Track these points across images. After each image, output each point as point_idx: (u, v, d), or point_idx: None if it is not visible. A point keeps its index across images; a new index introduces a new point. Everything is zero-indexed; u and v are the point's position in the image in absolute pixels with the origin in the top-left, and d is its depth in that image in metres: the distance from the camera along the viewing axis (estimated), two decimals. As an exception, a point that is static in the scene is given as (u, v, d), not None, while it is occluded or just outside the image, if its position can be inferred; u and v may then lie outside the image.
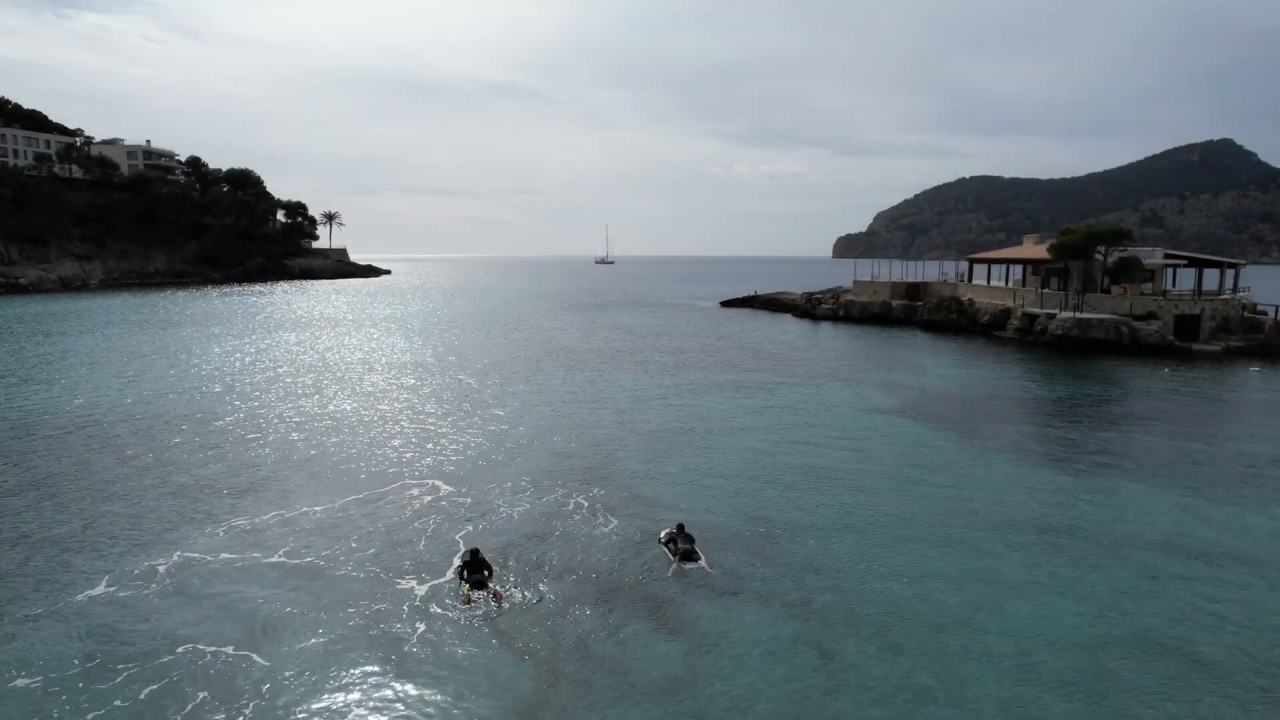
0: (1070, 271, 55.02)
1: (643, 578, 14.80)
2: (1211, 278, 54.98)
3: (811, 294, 75.44)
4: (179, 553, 15.83)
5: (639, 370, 39.50)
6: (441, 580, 14.57)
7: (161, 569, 15.07)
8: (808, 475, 20.99)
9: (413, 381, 35.83)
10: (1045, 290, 53.49)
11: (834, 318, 67.32)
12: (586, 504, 18.80)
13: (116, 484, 20.25)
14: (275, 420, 27.59)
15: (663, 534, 16.68)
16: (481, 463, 22.52)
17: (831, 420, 27.70)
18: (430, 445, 24.32)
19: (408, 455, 23.21)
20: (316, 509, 18.42)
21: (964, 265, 72.63)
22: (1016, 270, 65.25)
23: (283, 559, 15.59)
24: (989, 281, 65.50)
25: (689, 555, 15.55)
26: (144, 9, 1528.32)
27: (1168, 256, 56.14)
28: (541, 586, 14.41)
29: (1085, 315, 47.26)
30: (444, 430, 26.41)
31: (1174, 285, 58.45)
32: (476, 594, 14.11)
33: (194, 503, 18.92)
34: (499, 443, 24.75)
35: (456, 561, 15.36)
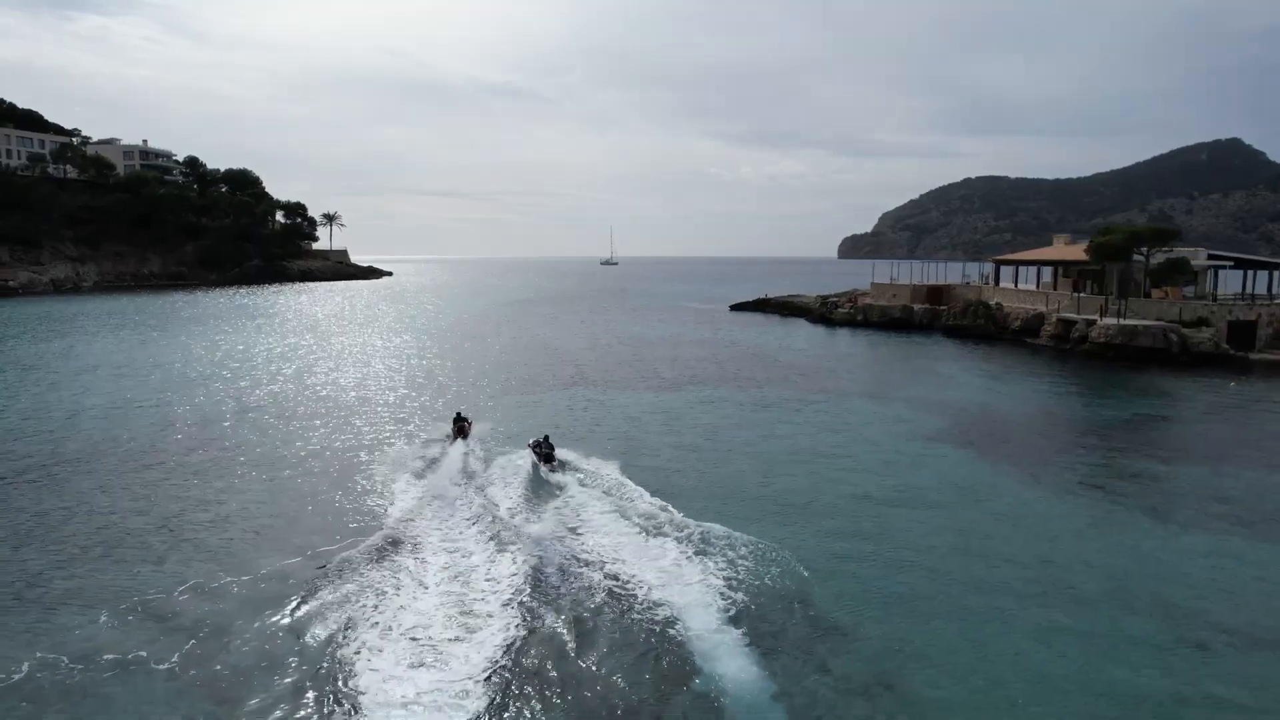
0: (1106, 274, 51.69)
1: (658, 631, 11.71)
2: (1253, 280, 51.57)
3: (827, 298, 72.02)
4: (38, 654, 11.39)
5: (647, 384, 36.15)
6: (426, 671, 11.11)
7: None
8: (843, 517, 17.64)
9: (404, 391, 32.49)
10: (1081, 294, 50.08)
11: (851, 323, 63.91)
12: (591, 543, 15.56)
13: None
14: (228, 446, 24.08)
15: (530, 440, 22.51)
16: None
17: (867, 449, 24.30)
18: (412, 475, 20.89)
19: (380, 496, 19.63)
20: (243, 578, 14.23)
21: (987, 267, 69.32)
22: (1037, 272, 61.97)
23: (177, 664, 11.20)
24: (1017, 284, 62.10)
25: (549, 459, 21.05)
26: (146, 11, 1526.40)
27: (1211, 257, 52.78)
28: (546, 651, 11.32)
29: (1130, 322, 43.84)
30: (432, 452, 23.25)
31: (1215, 288, 54.94)
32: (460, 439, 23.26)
33: (95, 566, 14.75)
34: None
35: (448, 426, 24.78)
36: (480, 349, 49.91)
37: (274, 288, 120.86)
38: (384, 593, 13.27)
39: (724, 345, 51.88)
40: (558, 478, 20.07)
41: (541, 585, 13.54)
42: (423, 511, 17.65)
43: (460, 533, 16.33)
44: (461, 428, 24.46)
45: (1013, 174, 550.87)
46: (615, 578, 14.00)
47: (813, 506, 18.59)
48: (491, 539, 15.81)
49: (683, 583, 13.60)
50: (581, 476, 20.36)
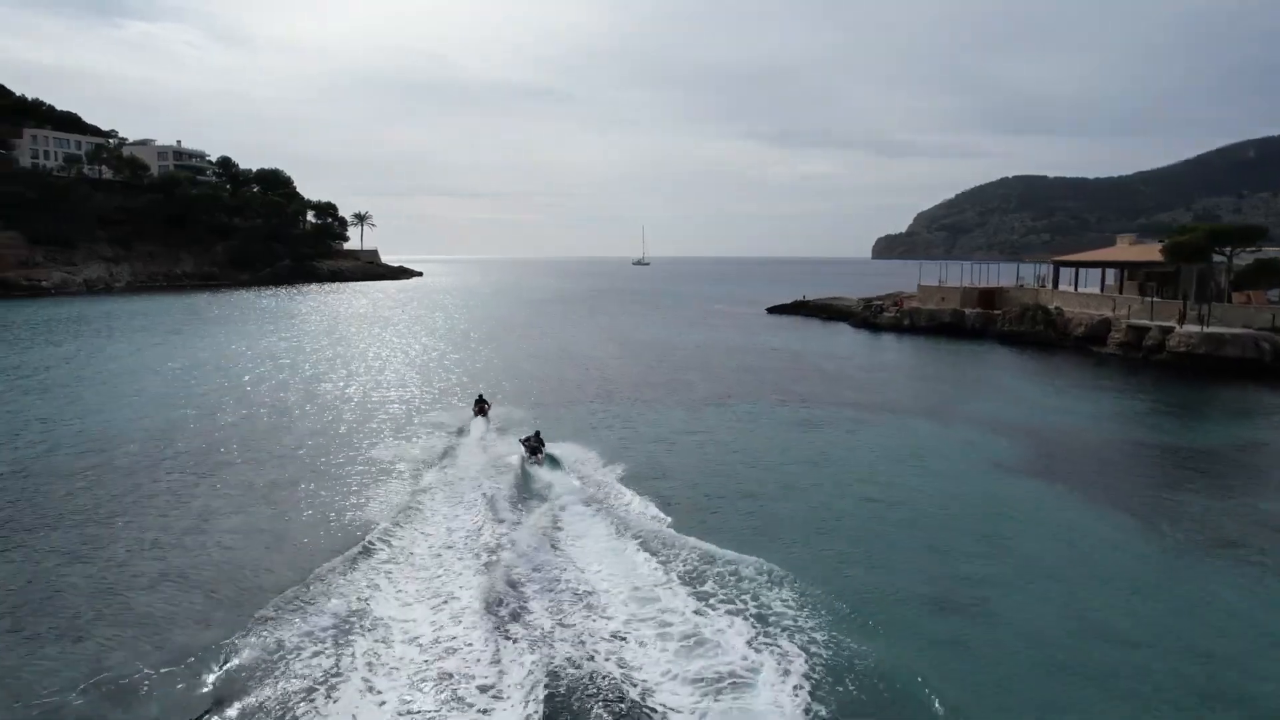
0: (1182, 276, 47.26)
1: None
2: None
3: (870, 300, 68.12)
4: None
5: (678, 399, 32.88)
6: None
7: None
8: (930, 582, 14.27)
9: (418, 405, 29.71)
10: (1156, 299, 45.71)
11: (897, 327, 60.03)
12: (625, 625, 12.46)
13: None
14: (205, 468, 21.50)
15: (522, 436, 22.32)
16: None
17: (939, 483, 20.79)
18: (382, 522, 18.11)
19: (359, 520, 16.70)
20: (161, 672, 11.23)
21: (1043, 268, 64.95)
22: (1101, 274, 57.42)
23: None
24: (1077, 287, 57.64)
25: (535, 451, 21.20)
26: (189, 18, 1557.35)
27: (1299, 258, 47.99)
28: None
29: (1215, 329, 39.55)
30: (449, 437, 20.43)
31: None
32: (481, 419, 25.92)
33: None
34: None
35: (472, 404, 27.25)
36: (503, 355, 47.16)
37: (303, 288, 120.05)
38: (336, 684, 10.34)
39: (762, 352, 48.52)
40: (545, 474, 20.01)
41: (548, 694, 10.38)
42: (402, 552, 15.22)
43: (444, 584, 13.64)
44: (482, 408, 27.05)
45: (1051, 173, 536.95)
46: (641, 674, 10.86)
47: (888, 566, 15.24)
48: (482, 604, 12.74)
49: (747, 693, 10.25)
50: (612, 517, 17.21)
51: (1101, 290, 54.85)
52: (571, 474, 20.34)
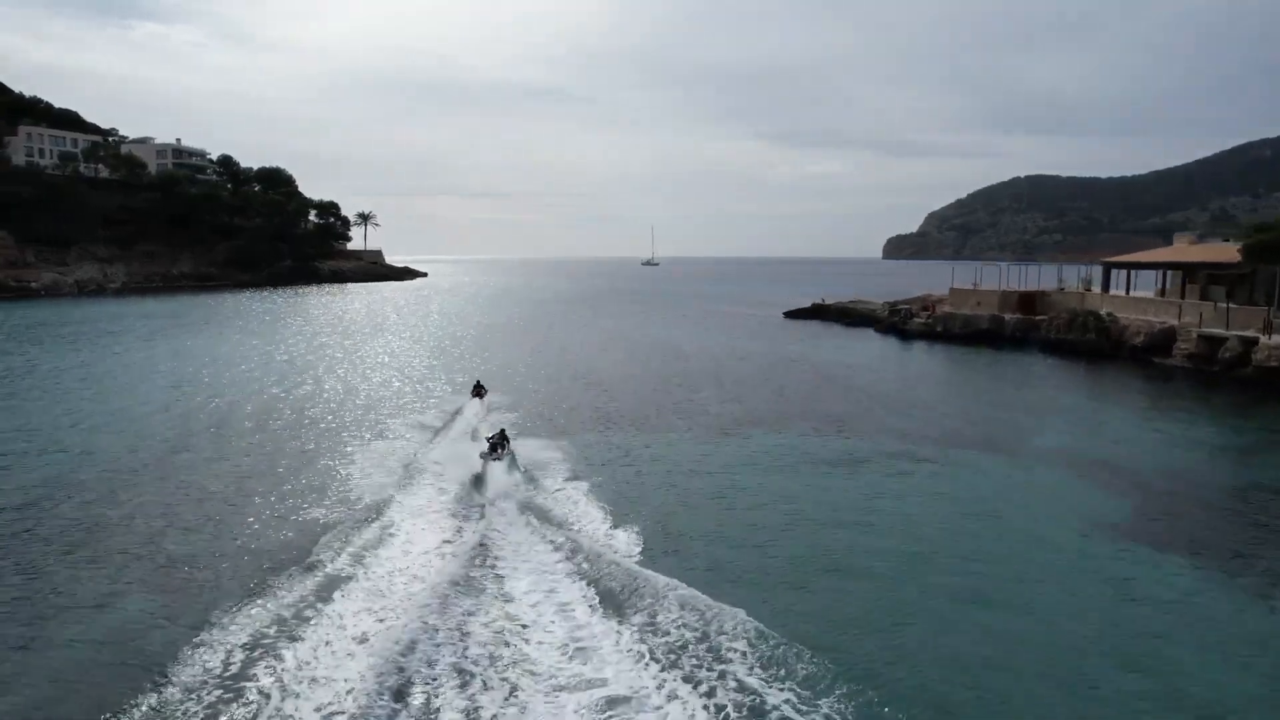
0: (1258, 278, 42.10)
1: None
2: None
3: (896, 304, 63.04)
4: None
5: (691, 427, 27.87)
6: None
7: None
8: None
9: (391, 441, 25.10)
10: (1230, 305, 40.47)
11: (929, 334, 55.00)
12: None
13: None
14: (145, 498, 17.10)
15: (490, 434, 21.93)
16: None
17: (1037, 561, 15.62)
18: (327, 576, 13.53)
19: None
20: None
21: (1086, 269, 59.78)
22: (1162, 276, 52.18)
23: None
24: (1128, 291, 52.42)
25: (494, 448, 20.68)
26: (197, 19, 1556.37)
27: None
28: None
29: (1310, 342, 34.42)
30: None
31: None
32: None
33: None
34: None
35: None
36: (499, 367, 42.36)
37: (301, 290, 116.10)
38: None
39: (783, 363, 43.62)
40: (500, 472, 19.46)
41: None
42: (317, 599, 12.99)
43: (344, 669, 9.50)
44: (479, 392, 29.47)
45: (1039, 172, 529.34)
46: None
47: (995, 686, 10.43)
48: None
49: None
50: (589, 581, 13.65)
51: (1163, 294, 49.70)
52: (521, 476, 19.95)
